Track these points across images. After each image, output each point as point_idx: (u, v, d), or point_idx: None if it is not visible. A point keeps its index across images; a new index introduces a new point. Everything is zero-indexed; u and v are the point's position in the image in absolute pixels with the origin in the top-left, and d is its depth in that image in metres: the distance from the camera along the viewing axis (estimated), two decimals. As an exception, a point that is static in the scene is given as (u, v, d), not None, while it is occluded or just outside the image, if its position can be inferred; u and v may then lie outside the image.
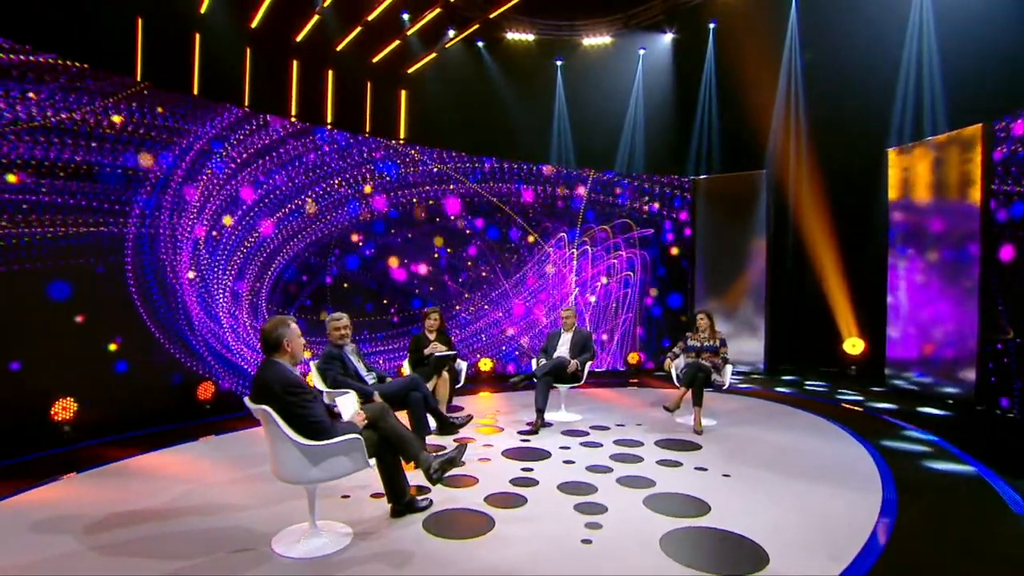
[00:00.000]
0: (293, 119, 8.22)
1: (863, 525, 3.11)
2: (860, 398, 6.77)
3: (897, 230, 7.34)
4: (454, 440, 4.63)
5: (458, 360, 5.51)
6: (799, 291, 8.56)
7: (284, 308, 6.25)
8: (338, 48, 8.71)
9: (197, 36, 7.46)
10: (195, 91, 7.40)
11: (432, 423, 4.43)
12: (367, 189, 6.86)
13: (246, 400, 2.68)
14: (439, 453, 3.15)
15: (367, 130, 9.34)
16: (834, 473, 3.99)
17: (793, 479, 3.84)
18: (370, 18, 8.37)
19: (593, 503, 3.36)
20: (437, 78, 9.84)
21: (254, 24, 7.81)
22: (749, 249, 8.52)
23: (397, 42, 9.03)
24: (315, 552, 2.71)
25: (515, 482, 3.70)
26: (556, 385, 5.48)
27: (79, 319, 4.71)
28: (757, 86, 8.63)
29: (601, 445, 4.63)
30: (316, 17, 8.05)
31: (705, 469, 4.03)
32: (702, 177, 9.05)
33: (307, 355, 6.22)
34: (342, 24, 8.47)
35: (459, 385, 5.36)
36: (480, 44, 10.14)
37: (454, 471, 3.79)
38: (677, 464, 4.14)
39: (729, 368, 5.47)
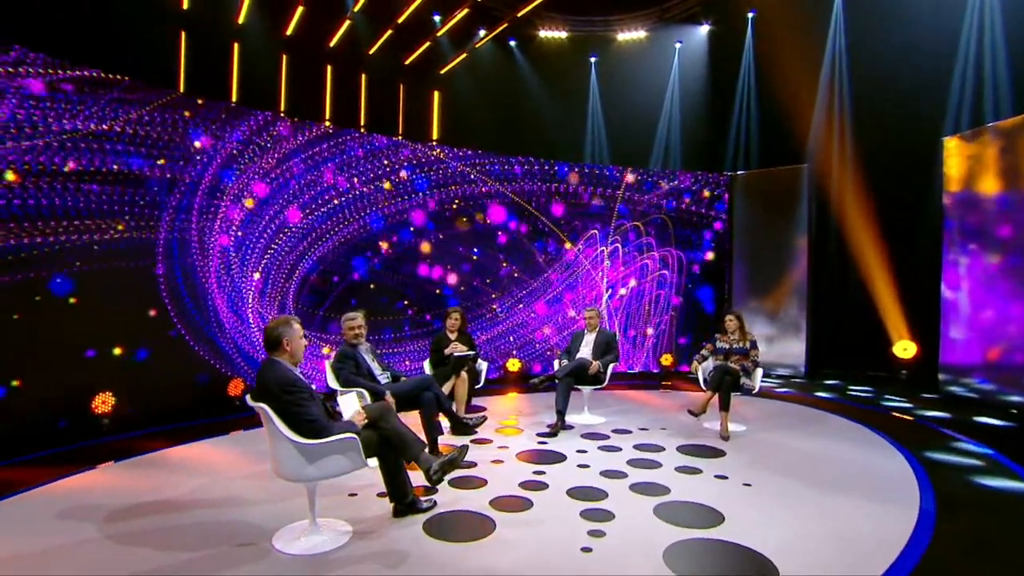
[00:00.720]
0: (328, 123, 8.48)
1: (892, 543, 2.89)
2: (909, 405, 6.34)
3: (955, 224, 6.83)
4: (471, 441, 4.63)
5: (479, 360, 5.49)
6: (843, 291, 8.10)
7: (313, 308, 6.42)
8: (370, 52, 8.85)
9: (236, 46, 7.74)
10: (233, 98, 7.68)
11: (446, 424, 4.43)
12: (387, 185, 6.95)
13: (247, 398, 2.74)
14: (441, 455, 3.13)
15: (400, 132, 9.47)
16: (867, 485, 3.73)
17: (820, 490, 3.62)
18: (400, 20, 8.46)
19: (601, 509, 3.26)
20: (469, 78, 9.87)
21: (289, 32, 8.03)
22: (789, 247, 8.14)
23: (427, 43, 9.10)
24: (312, 549, 2.74)
25: (524, 485, 3.64)
26: (579, 387, 5.37)
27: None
28: (798, 76, 8.23)
29: (620, 449, 4.51)
30: (347, 22, 8.21)
31: (725, 477, 3.85)
32: (739, 173, 8.71)
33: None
34: (373, 28, 8.61)
35: (479, 386, 5.33)
36: (512, 43, 10.11)
37: (462, 472, 3.83)
38: (696, 471, 3.98)
39: (760, 371, 5.22)
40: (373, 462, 3.02)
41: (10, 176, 4.39)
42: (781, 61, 8.33)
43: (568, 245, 8.05)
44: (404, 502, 3.12)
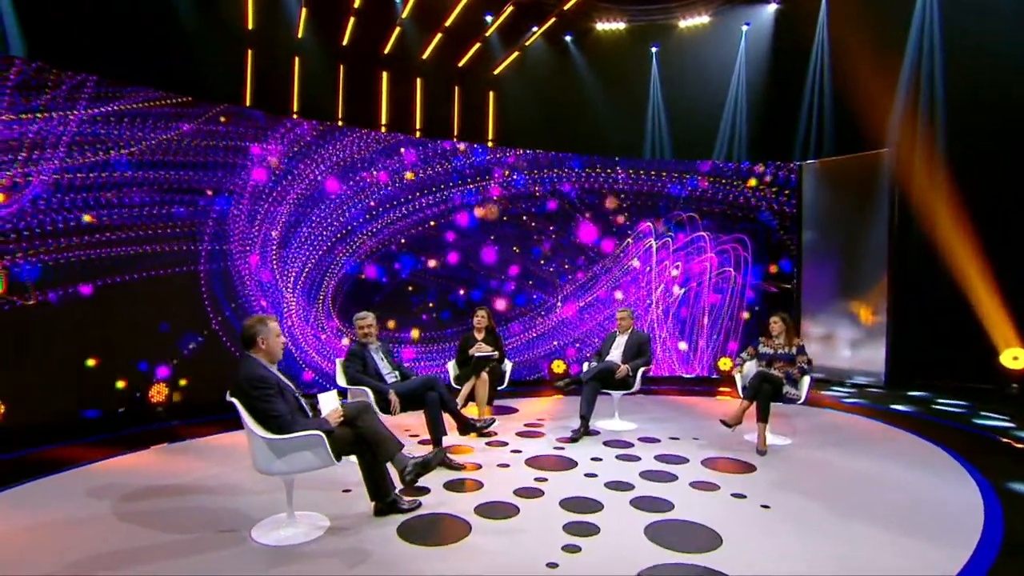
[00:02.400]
0: (384, 129, 8.79)
1: (918, 587, 2.46)
2: (1010, 424, 5.44)
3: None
4: (486, 444, 4.56)
5: (505, 361, 5.41)
6: (932, 291, 7.10)
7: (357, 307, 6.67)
8: (423, 56, 9.04)
9: (297, 59, 8.20)
10: (295, 110, 8.14)
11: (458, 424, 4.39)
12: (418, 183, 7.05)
13: (228, 394, 2.85)
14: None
15: (455, 134, 9.60)
16: (916, 517, 3.23)
17: (853, 519, 3.17)
18: (447, 23, 8.57)
19: (588, 523, 3.06)
20: (524, 77, 9.78)
21: (344, 42, 8.39)
22: (866, 241, 7.29)
23: (478, 44, 9.14)
24: (283, 541, 2.80)
25: (519, 492, 3.51)
26: (607, 392, 5.13)
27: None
28: (879, 54, 7.34)
29: (639, 459, 4.24)
30: (398, 29, 8.44)
31: (743, 496, 3.49)
32: (810, 162, 7.94)
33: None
34: (423, 32, 8.78)
35: (502, 387, 5.25)
36: (568, 38, 9.91)
37: (462, 475, 3.77)
38: (713, 488, 3.64)
39: (807, 380, 4.70)
40: (352, 459, 3.05)
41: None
42: (860, 36, 7.47)
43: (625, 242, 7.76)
44: (384, 501, 3.11)
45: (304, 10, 7.78)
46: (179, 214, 5.56)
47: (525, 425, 5.21)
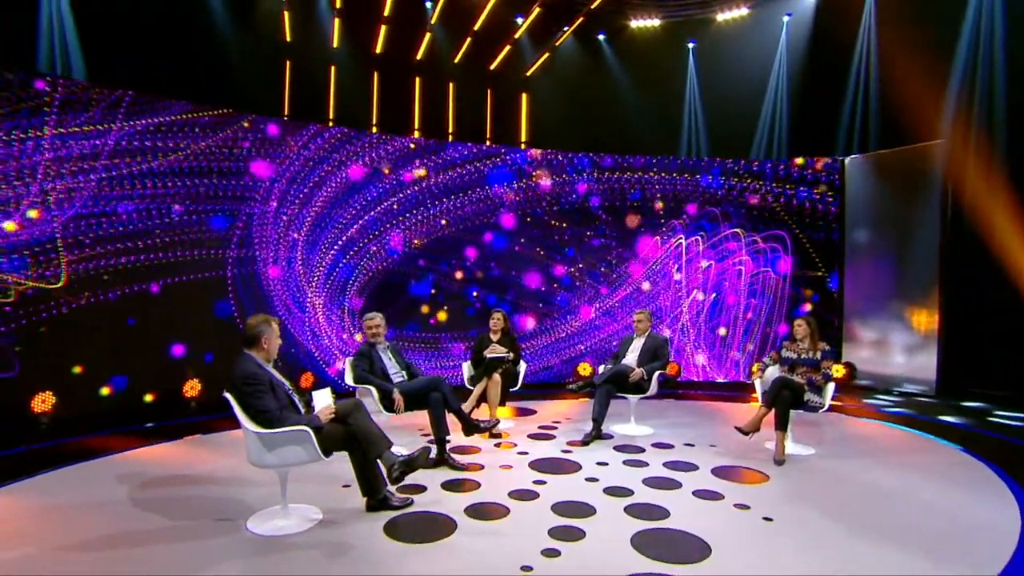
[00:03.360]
0: (417, 134, 8.98)
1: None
2: (1074, 441, 4.94)
3: None
4: (496, 445, 4.57)
5: (521, 363, 5.40)
6: (988, 292, 6.52)
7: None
8: (455, 60, 9.17)
9: (333, 68, 8.50)
10: (331, 117, 8.43)
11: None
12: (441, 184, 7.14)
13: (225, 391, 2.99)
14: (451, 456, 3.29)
15: (488, 137, 9.67)
16: (940, 537, 2.99)
17: (865, 537, 2.97)
18: (476, 27, 8.65)
19: (574, 528, 3.02)
20: (557, 78, 9.75)
21: (377, 49, 8.63)
22: (916, 239, 6.82)
23: (508, 47, 9.18)
24: (273, 531, 2.92)
25: (514, 494, 3.49)
26: (622, 395, 5.03)
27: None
28: (930, 42, 6.84)
29: (646, 465, 4.13)
30: (428, 34, 8.59)
31: (747, 507, 3.34)
32: (854, 156, 7.50)
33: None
34: (453, 37, 8.90)
35: (515, 388, 5.24)
36: (601, 37, 9.80)
37: (463, 475, 3.80)
38: (717, 497, 3.50)
39: (831, 387, 4.44)
40: (344, 455, 3.14)
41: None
42: (907, 25, 6.99)
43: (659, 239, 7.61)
44: (375, 497, 3.18)
45: (337, 20, 8.05)
46: (217, 223, 5.88)
47: (539, 427, 5.19)
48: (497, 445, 4.58)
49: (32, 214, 4.89)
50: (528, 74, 9.75)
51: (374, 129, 8.54)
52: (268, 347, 3.04)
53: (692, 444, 4.68)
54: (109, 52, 6.28)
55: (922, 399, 6.58)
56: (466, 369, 5.34)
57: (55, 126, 4.98)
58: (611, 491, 3.58)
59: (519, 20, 9.06)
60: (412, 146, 7.07)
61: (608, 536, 2.93)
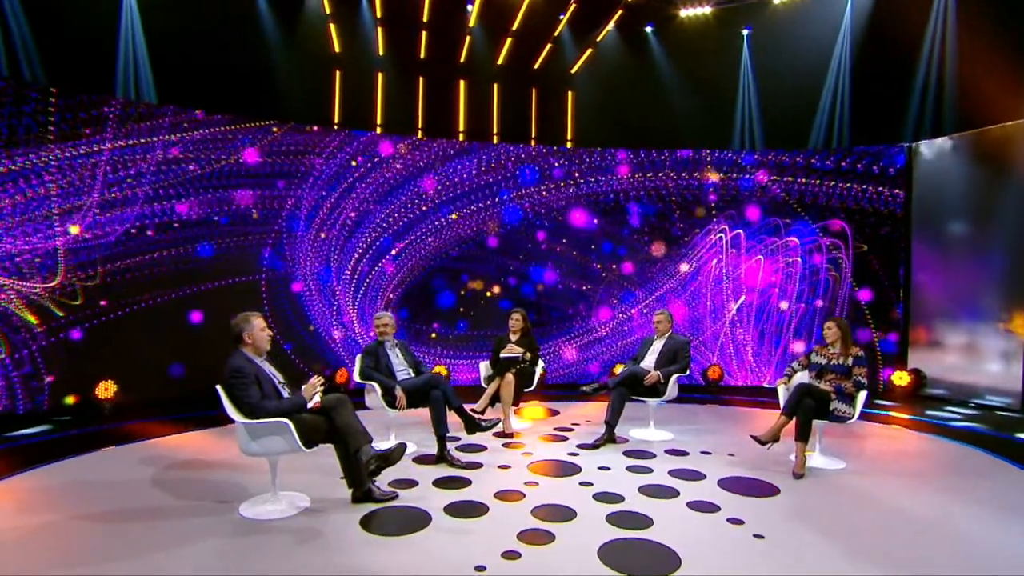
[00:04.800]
0: (461, 136, 9.14)
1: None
2: None
3: None
4: (503, 446, 4.57)
5: (539, 363, 5.36)
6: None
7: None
8: (498, 61, 9.23)
9: (380, 76, 8.83)
10: (378, 124, 8.76)
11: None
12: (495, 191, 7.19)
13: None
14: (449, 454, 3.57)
15: (532, 138, 9.66)
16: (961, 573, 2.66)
17: (871, 566, 2.69)
18: (514, 27, 8.66)
19: (547, 532, 2.96)
20: (600, 74, 9.56)
21: (422, 55, 8.86)
22: (998, 231, 6.05)
23: (549, 45, 9.12)
24: (260, 515, 3.10)
25: (500, 495, 3.48)
26: (638, 399, 4.87)
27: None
28: (1011, 12, 6.05)
29: (650, 471, 3.98)
30: (468, 37, 8.71)
31: (740, 522, 3.12)
32: (924, 142, 6.78)
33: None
34: (492, 38, 8.96)
35: (529, 389, 5.21)
36: (649, 29, 9.49)
37: (459, 472, 3.85)
38: (712, 510, 3.30)
39: (862, 396, 4.05)
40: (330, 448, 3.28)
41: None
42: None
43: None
44: (360, 489, 3.29)
45: (380, 29, 8.35)
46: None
47: (556, 429, 5.13)
48: (505, 445, 4.58)
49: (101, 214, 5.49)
50: (573, 71, 9.63)
51: (419, 135, 8.79)
52: (253, 342, 3.23)
53: (709, 452, 4.45)
54: (177, 73, 6.91)
55: (1004, 413, 5.84)
56: (483, 368, 5.37)
57: (121, 139, 5.57)
58: (601, 497, 3.48)
59: (562, 18, 8.98)
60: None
61: (577, 543, 2.86)
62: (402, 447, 3.22)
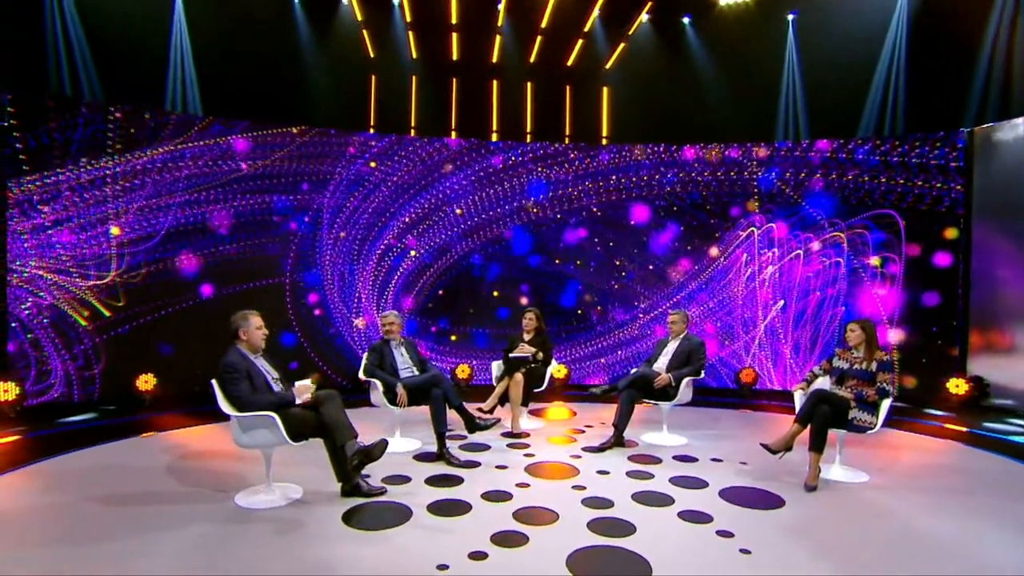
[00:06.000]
0: (495, 137, 9.18)
1: None
2: None
3: None
4: (508, 446, 4.54)
5: (552, 363, 5.30)
6: None
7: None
8: (531, 60, 9.18)
9: (414, 79, 9.00)
10: (412, 125, 8.93)
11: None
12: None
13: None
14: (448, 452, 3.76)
15: (567, 135, 9.56)
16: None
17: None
18: (543, 24, 8.58)
19: (521, 534, 2.92)
20: (638, 69, 9.31)
21: (454, 57, 8.95)
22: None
23: (580, 41, 8.98)
24: (251, 504, 3.24)
25: (487, 495, 3.45)
26: (650, 401, 4.71)
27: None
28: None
29: (651, 477, 3.84)
30: (499, 37, 8.72)
31: (730, 535, 2.96)
32: (988, 127, 6.17)
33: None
34: (526, 37, 8.91)
35: (540, 389, 5.15)
36: (687, 20, 9.17)
37: (456, 471, 3.87)
38: (704, 520, 3.15)
39: (886, 404, 3.73)
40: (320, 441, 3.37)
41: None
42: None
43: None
44: (349, 483, 3.37)
45: (410, 33, 8.51)
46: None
47: (568, 430, 5.06)
48: (510, 446, 4.55)
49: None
50: (607, 67, 9.44)
51: (453, 135, 8.89)
52: (248, 339, 3.37)
53: (720, 459, 4.24)
54: (220, 84, 7.33)
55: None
56: (495, 368, 5.36)
57: (169, 144, 6.01)
58: (590, 502, 3.39)
59: (593, 12, 8.83)
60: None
61: (549, 547, 2.80)
62: (383, 443, 3.26)
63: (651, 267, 7.32)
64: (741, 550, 2.80)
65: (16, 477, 3.68)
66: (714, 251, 7.11)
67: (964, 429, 5.26)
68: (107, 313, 5.72)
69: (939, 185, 6.30)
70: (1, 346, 5.32)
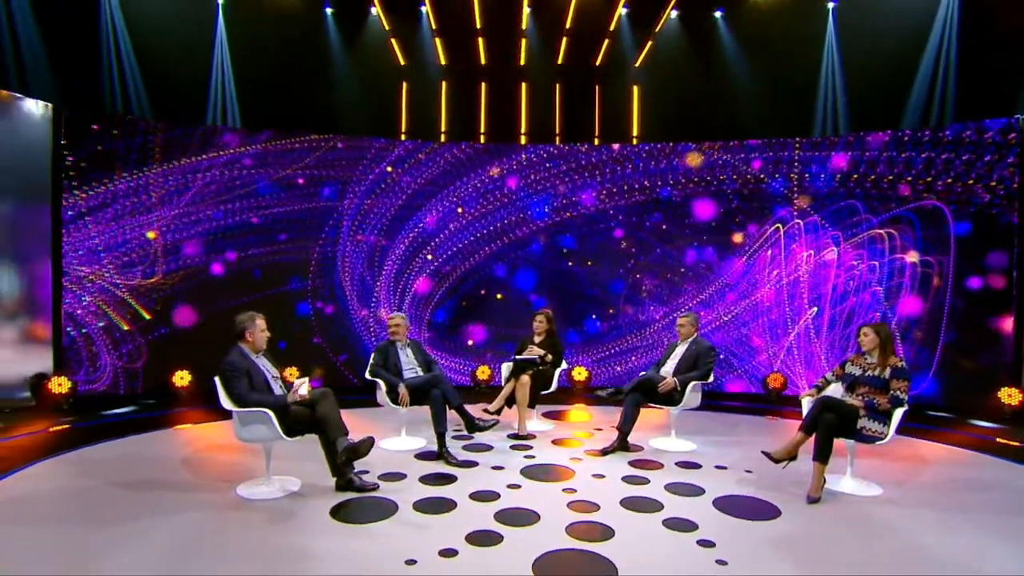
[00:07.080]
0: (523, 139, 9.24)
1: None
2: None
3: None
4: (511, 447, 4.56)
5: (562, 364, 5.28)
6: None
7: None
8: (559, 62, 9.17)
9: (443, 84, 9.17)
10: (443, 130, 9.10)
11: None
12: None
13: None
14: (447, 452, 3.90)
15: (596, 135, 9.49)
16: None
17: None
18: (568, 25, 8.55)
19: (497, 534, 2.95)
20: (669, 65, 9.12)
21: (483, 61, 9.05)
22: None
23: (607, 41, 8.88)
24: (250, 495, 3.42)
25: (475, 495, 3.50)
26: (655, 405, 4.62)
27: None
28: None
29: (647, 482, 3.78)
30: (524, 40, 8.75)
31: (711, 545, 2.87)
32: (1043, 115, 5.68)
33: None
34: (552, 38, 8.90)
35: (547, 391, 5.14)
36: (719, 15, 8.90)
37: (452, 470, 3.94)
38: (689, 528, 3.07)
39: (899, 413, 3.50)
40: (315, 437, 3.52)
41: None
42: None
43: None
44: (342, 478, 3.49)
45: (437, 40, 8.67)
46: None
47: (574, 433, 5.03)
48: (513, 447, 4.58)
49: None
50: (636, 65, 9.30)
51: (481, 139, 9.01)
52: (252, 339, 3.55)
53: (724, 467, 4.11)
54: (257, 96, 7.75)
55: None
56: (504, 369, 5.39)
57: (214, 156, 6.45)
58: (576, 505, 3.37)
59: (621, 11, 8.72)
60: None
61: (520, 548, 2.81)
62: (370, 440, 3.37)
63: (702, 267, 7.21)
64: (717, 560, 2.72)
65: (58, 462, 4.01)
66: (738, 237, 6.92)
67: (1016, 443, 4.86)
68: (147, 317, 6.15)
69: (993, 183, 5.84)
70: (56, 342, 5.83)
